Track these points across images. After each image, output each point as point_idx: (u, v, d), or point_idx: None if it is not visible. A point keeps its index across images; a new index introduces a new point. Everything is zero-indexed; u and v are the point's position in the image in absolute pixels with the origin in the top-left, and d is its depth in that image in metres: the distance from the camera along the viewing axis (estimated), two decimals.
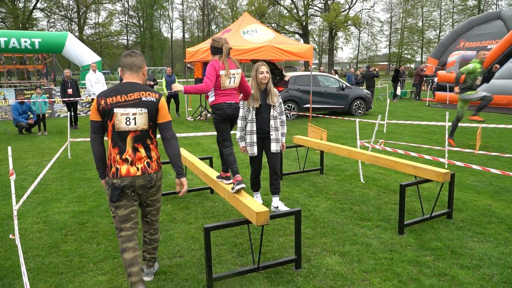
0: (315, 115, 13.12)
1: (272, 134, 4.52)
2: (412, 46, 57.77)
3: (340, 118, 12.26)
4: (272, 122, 4.49)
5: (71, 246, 3.87)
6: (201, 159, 5.23)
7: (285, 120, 4.63)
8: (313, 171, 6.47)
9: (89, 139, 8.32)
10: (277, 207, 4.65)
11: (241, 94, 4.11)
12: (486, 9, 49.61)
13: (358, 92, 14.35)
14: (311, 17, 58.11)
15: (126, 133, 2.74)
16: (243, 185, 3.45)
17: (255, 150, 4.52)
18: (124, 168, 2.74)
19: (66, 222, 4.49)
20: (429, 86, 21.41)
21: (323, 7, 57.73)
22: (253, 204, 3.08)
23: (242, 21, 12.60)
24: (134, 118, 2.71)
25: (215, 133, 4.00)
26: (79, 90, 12.02)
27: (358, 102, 14.27)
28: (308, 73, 14.20)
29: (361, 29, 59.45)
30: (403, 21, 57.88)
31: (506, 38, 15.91)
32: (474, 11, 50.51)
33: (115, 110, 2.68)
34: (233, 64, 3.74)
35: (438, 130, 10.89)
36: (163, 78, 13.75)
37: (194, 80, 13.95)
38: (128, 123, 2.71)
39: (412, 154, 6.05)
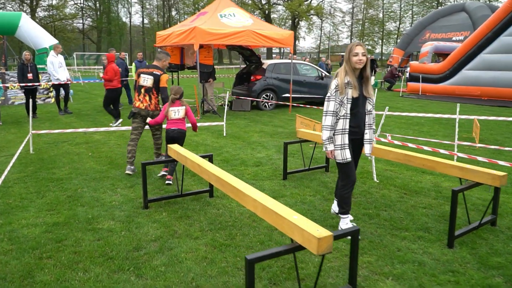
0: (295, 104, 12.49)
1: (366, 134, 3.57)
2: (373, 37, 58.58)
3: (321, 108, 11.74)
4: (367, 118, 3.55)
5: (50, 275, 2.98)
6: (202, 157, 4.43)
7: (374, 116, 3.65)
8: (318, 169, 5.83)
9: (54, 131, 7.22)
10: (338, 213, 3.87)
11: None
12: (444, 2, 51.00)
13: None
14: (273, 5, 57.46)
15: (142, 86, 5.50)
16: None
17: (348, 154, 3.46)
18: (137, 103, 5.56)
19: (38, 240, 3.56)
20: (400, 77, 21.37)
21: None
22: (308, 225, 2.35)
23: (218, 4, 11.67)
24: (146, 80, 5.49)
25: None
26: (38, 75, 10.68)
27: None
28: (287, 61, 13.55)
29: (323, 19, 59.51)
30: (364, 12, 58.51)
31: (469, 40, 16.00)
32: (433, 3, 51.82)
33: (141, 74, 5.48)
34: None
35: (424, 122, 10.60)
36: (133, 64, 12.57)
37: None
38: (144, 82, 5.51)
39: (426, 148, 5.55)
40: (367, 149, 3.61)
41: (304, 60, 20.26)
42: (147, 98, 5.51)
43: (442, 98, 16.38)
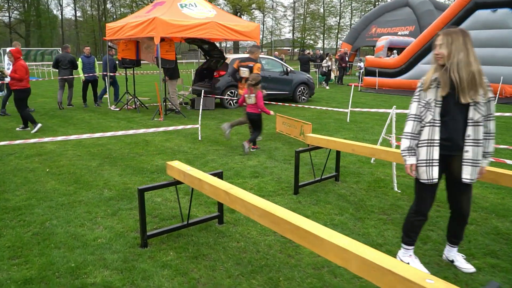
0: (267, 102, 11.73)
1: (467, 152, 2.65)
2: (314, 31, 59.37)
3: (287, 104, 11.13)
4: (470, 131, 2.65)
5: None
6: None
7: (494, 132, 2.76)
8: (328, 179, 5.13)
9: (4, 143, 5.95)
10: (453, 261, 3.05)
11: None
12: None
13: (301, 77, 13.33)
14: None
15: (242, 77, 7.15)
16: None
17: (435, 173, 2.70)
18: (241, 91, 7.28)
19: None
20: (358, 71, 21.38)
21: None
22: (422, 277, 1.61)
23: None
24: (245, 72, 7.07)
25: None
26: None
27: (302, 87, 13.26)
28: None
29: (265, 13, 59.28)
30: (306, 7, 59.09)
31: (424, 34, 16.24)
32: None
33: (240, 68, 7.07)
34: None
35: (397, 118, 10.31)
36: (80, 60, 11.10)
37: (118, 61, 11.55)
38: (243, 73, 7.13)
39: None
40: (466, 172, 2.68)
41: (276, 55, 19.80)
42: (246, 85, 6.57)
43: (400, 92, 16.49)
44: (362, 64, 16.42)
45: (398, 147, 5.41)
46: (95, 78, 11.52)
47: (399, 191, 4.73)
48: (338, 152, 5.08)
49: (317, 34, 59.25)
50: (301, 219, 2.36)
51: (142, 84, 18.53)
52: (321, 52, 20.48)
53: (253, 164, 5.85)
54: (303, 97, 13.38)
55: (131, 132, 6.17)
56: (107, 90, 12.01)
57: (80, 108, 11.36)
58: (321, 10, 57.96)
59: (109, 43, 11.60)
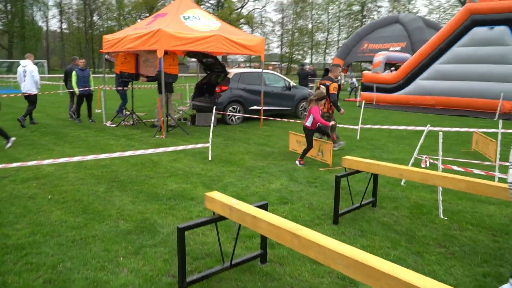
0: (264, 117, 11.31)
1: None
2: (302, 47, 59.72)
3: (292, 121, 10.72)
4: None
5: None
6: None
7: None
8: (365, 205, 4.67)
9: None
10: None
11: None
12: (367, 15, 53.58)
13: (303, 92, 12.98)
14: None
15: None
16: None
17: None
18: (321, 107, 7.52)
19: None
20: (351, 88, 21.21)
21: (215, 3, 56.30)
22: None
23: (179, 5, 10.13)
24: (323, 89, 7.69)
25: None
26: None
27: (304, 103, 12.90)
28: (254, 70, 12.37)
29: (253, 28, 59.42)
30: (294, 22, 59.50)
31: (422, 50, 16.17)
32: (358, 16, 54.18)
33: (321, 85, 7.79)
34: None
35: (406, 134, 10.02)
36: (74, 73, 10.49)
37: (114, 75, 10.98)
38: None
39: (476, 171, 4.68)
40: None
41: (269, 69, 19.34)
42: (323, 102, 7.31)
43: (398, 108, 16.30)
44: (354, 80, 16.12)
45: (431, 167, 5.01)
46: (90, 93, 10.92)
47: (446, 218, 4.30)
48: (375, 176, 4.64)
49: (305, 49, 59.60)
50: (410, 274, 1.88)
51: (136, 98, 17.91)
52: (312, 67, 20.12)
53: (276, 187, 5.36)
54: (305, 113, 13.00)
55: (138, 152, 5.64)
56: (103, 102, 11.39)
57: (73, 124, 10.72)
58: (309, 26, 58.44)
59: (106, 56, 11.06)
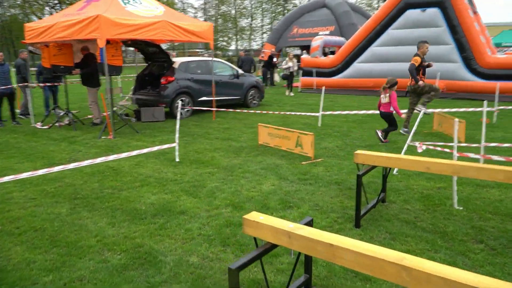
0: (216, 109, 10.65)
1: None
2: (227, 33, 58.84)
3: (246, 111, 10.22)
4: None
5: None
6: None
7: None
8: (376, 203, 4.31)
9: None
10: None
11: None
12: (289, 0, 54.25)
13: (251, 80, 12.45)
14: None
15: None
16: None
17: None
18: None
19: None
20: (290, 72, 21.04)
21: None
22: None
23: None
24: None
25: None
26: None
27: (252, 91, 12.39)
28: (201, 58, 11.55)
29: None
30: (217, 8, 58.30)
31: (358, 33, 16.43)
32: (280, 1, 54.58)
33: None
34: None
35: (363, 119, 9.98)
36: None
37: (36, 69, 9.52)
38: None
39: (472, 155, 4.56)
40: None
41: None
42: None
43: (339, 92, 16.47)
44: (290, 64, 15.86)
45: (427, 154, 4.80)
46: (12, 91, 9.38)
47: (462, 208, 4.09)
48: (384, 169, 4.29)
49: (230, 35, 58.77)
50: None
51: (63, 95, 16.02)
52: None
53: (269, 189, 4.81)
54: (254, 102, 12.51)
55: (99, 160, 4.76)
56: (29, 100, 9.86)
57: None
58: (233, 11, 57.63)
59: (30, 48, 9.53)
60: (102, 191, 4.81)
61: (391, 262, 1.87)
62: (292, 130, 6.50)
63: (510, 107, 7.45)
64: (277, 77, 20.32)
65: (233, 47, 59.94)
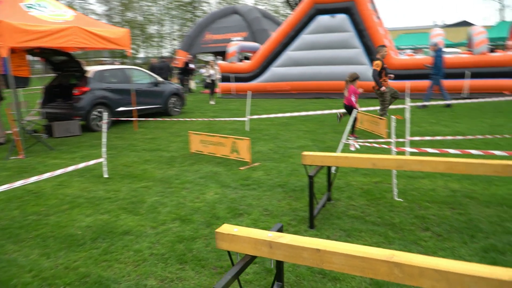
0: (133, 119, 10.14)
1: None
2: (134, 40, 56.70)
3: (168, 119, 9.92)
4: None
5: None
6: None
7: None
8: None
9: None
10: None
11: None
12: (197, 6, 54.07)
13: (172, 88, 12.09)
14: None
15: None
16: None
17: None
18: None
19: None
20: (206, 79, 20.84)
21: None
22: None
23: None
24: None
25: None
26: None
27: (173, 99, 12.04)
28: (116, 66, 10.89)
29: None
30: (122, 15, 55.92)
31: (273, 38, 16.91)
32: (189, 7, 54.12)
33: None
34: None
35: (287, 121, 10.24)
36: None
37: None
38: None
39: (409, 149, 4.89)
40: None
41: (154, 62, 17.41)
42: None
43: (258, 96, 16.74)
44: (212, 72, 15.77)
45: (365, 150, 5.01)
46: None
47: (402, 200, 4.33)
48: (329, 168, 4.38)
49: (137, 43, 56.67)
50: None
51: None
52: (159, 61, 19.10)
53: (214, 198, 4.65)
54: (175, 109, 12.16)
55: (18, 184, 4.21)
56: None
57: None
58: (140, 18, 55.69)
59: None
60: (25, 219, 4.23)
61: (382, 261, 1.86)
62: (226, 136, 6.39)
63: (415, 104, 8.15)
64: (193, 84, 19.98)
65: (141, 54, 57.99)
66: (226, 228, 2.27)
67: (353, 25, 15.31)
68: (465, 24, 43.88)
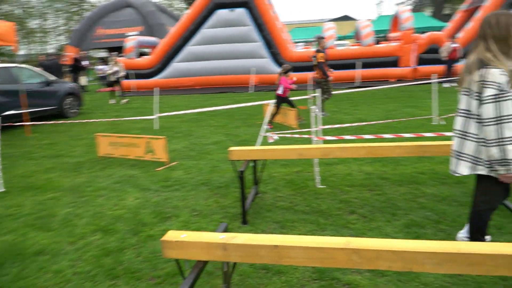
0: (21, 123, 9.12)
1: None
2: None
3: (62, 121, 9.13)
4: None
5: None
6: None
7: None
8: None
9: None
10: None
11: None
12: None
13: (66, 87, 11.08)
14: None
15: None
16: None
17: None
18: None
19: None
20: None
21: None
22: None
23: None
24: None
25: None
26: None
27: (69, 99, 11.05)
28: (1, 65, 9.59)
29: None
30: None
31: (173, 33, 16.49)
32: (74, 0, 50.13)
33: None
34: None
35: (196, 117, 10.09)
36: None
37: None
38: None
39: (329, 138, 5.14)
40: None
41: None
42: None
43: (161, 92, 16.20)
44: (116, 69, 14.75)
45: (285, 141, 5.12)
46: None
47: (324, 186, 4.52)
48: (254, 162, 4.37)
49: (17, 38, 50.87)
50: (508, 245, 1.78)
51: None
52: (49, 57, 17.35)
53: (135, 203, 4.34)
54: (72, 110, 11.17)
55: None
56: None
57: None
58: (18, 11, 49.92)
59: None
60: None
61: (340, 249, 1.88)
62: (140, 136, 6.03)
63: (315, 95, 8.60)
64: (83, 81, 18.46)
65: (22, 51, 52.23)
66: (172, 235, 2.11)
67: (252, 19, 15.58)
68: (347, 18, 47.32)
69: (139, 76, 16.96)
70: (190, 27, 16.13)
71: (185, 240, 2.05)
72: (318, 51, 8.79)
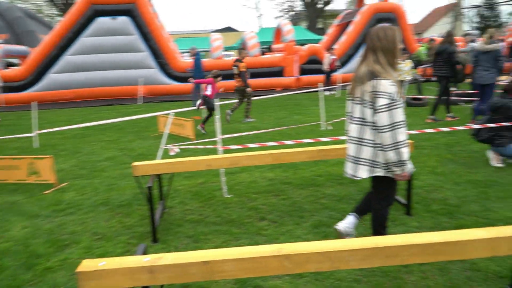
0: None
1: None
2: None
3: None
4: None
5: None
6: None
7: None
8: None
9: None
10: None
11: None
12: None
13: None
14: None
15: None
16: None
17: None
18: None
19: None
20: None
21: None
22: None
23: None
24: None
25: None
26: None
27: None
28: None
29: None
30: None
31: (47, 41, 15.09)
32: None
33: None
34: None
35: (82, 132, 9.36)
36: None
37: None
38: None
39: (233, 147, 5.20)
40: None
41: None
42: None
43: (37, 106, 14.64)
44: None
45: (187, 153, 5.06)
46: None
47: (232, 195, 4.54)
48: (159, 176, 4.19)
49: None
50: (416, 235, 2.01)
51: None
52: None
53: (22, 233, 3.82)
54: None
55: None
56: None
57: None
58: None
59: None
60: None
61: (272, 257, 1.90)
62: (20, 156, 5.34)
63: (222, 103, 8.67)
64: None
65: None
66: (89, 265, 1.90)
67: (136, 28, 15.05)
68: (230, 29, 48.64)
69: (7, 89, 15.06)
70: (67, 35, 14.89)
71: (105, 268, 1.86)
72: (238, 60, 9.21)
